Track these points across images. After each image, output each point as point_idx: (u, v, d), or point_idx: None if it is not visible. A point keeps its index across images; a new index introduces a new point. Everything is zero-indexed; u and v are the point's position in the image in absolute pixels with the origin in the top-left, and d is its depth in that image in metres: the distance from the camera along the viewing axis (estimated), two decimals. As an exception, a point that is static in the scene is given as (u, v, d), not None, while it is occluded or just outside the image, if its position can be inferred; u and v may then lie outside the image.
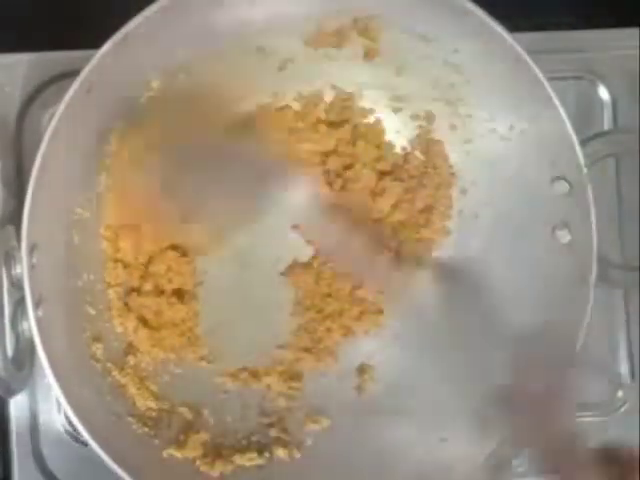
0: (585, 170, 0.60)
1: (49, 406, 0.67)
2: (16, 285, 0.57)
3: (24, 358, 0.60)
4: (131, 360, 0.65)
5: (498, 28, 0.59)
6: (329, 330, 0.69)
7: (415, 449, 0.65)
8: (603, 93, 0.72)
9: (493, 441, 0.62)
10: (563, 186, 0.62)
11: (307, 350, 0.69)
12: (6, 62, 0.68)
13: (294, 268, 0.69)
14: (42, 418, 0.68)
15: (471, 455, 0.63)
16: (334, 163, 0.68)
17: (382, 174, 0.69)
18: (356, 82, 0.68)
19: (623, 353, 0.72)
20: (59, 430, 0.68)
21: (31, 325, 0.56)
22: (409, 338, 0.69)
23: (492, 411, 0.63)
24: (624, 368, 0.72)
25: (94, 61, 0.57)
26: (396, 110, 0.69)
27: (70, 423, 0.65)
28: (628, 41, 0.71)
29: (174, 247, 0.67)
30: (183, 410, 0.66)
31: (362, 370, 0.69)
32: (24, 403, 0.67)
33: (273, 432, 0.67)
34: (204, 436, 0.65)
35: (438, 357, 0.67)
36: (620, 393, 0.72)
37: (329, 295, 0.69)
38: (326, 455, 0.66)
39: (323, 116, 0.69)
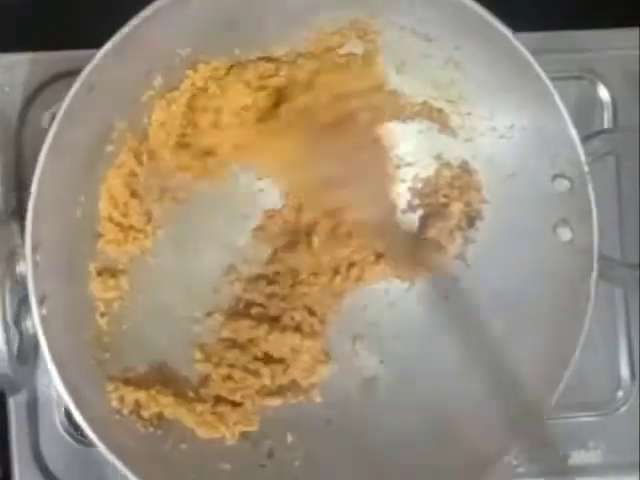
0: (586, 168, 0.60)
1: (49, 406, 0.67)
2: (20, 283, 0.57)
3: (28, 356, 0.60)
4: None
5: (499, 26, 0.60)
6: None
7: (415, 448, 0.65)
8: (603, 93, 0.72)
9: (491, 443, 0.63)
10: (564, 184, 0.62)
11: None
12: (6, 62, 0.68)
13: None
14: (42, 418, 0.68)
15: (470, 456, 0.63)
16: None
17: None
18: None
19: (623, 353, 0.72)
20: (59, 430, 0.68)
21: (35, 323, 0.57)
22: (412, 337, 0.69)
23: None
24: (624, 368, 0.72)
25: (95, 61, 0.58)
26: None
27: (70, 423, 0.65)
28: (628, 41, 0.71)
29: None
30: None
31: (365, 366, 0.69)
32: (24, 403, 0.67)
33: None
34: None
35: (441, 355, 0.67)
36: (620, 393, 0.72)
37: None
38: (327, 453, 0.66)
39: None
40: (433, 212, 0.68)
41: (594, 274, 0.61)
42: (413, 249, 0.68)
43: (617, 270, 0.62)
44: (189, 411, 0.64)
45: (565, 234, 0.62)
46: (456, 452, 0.64)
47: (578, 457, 0.71)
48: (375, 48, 0.65)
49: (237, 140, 0.66)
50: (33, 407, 0.67)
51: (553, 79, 0.61)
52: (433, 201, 0.68)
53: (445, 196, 0.68)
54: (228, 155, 0.66)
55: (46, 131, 0.57)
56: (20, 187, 0.65)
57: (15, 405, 0.67)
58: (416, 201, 0.69)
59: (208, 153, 0.66)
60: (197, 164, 0.66)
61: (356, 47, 0.65)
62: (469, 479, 0.63)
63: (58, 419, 0.68)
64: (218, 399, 0.66)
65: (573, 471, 0.71)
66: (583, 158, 0.60)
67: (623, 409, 0.72)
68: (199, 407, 0.65)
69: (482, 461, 0.63)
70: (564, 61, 0.71)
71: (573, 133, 0.60)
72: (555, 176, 0.62)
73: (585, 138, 0.61)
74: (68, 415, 0.58)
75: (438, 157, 0.69)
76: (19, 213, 0.58)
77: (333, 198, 0.65)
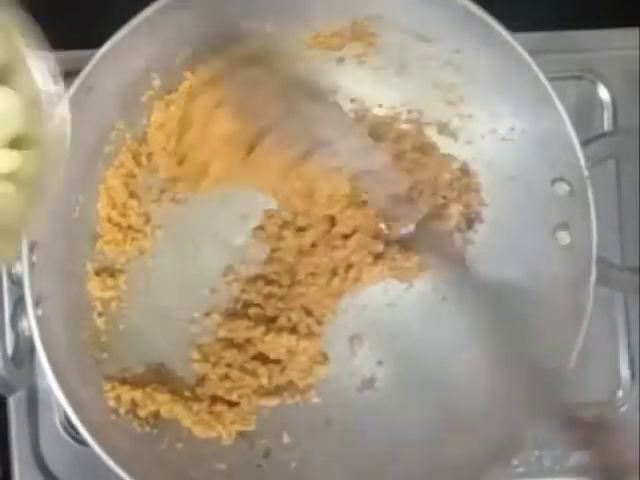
0: (586, 172, 0.60)
1: (49, 406, 0.68)
2: (16, 283, 0.57)
3: (24, 356, 0.60)
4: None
5: (499, 28, 0.60)
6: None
7: (414, 448, 0.65)
8: (603, 93, 0.72)
9: (490, 443, 0.62)
10: (563, 187, 0.62)
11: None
12: (6, 62, 0.69)
13: None
14: (42, 418, 0.68)
15: (468, 457, 0.63)
16: None
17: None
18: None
19: (623, 354, 0.72)
20: (59, 430, 0.68)
21: (31, 324, 0.57)
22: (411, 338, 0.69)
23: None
24: (624, 368, 0.72)
25: (94, 61, 0.58)
26: (396, 110, 0.69)
27: (70, 423, 0.66)
28: (628, 41, 0.71)
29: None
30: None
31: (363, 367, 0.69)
32: (24, 403, 0.67)
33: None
34: None
35: (439, 356, 0.67)
36: (620, 393, 0.71)
37: None
38: (324, 454, 0.66)
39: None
40: (432, 213, 0.68)
41: (592, 277, 0.60)
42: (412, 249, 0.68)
43: (617, 274, 0.62)
44: (186, 409, 0.64)
45: (564, 238, 0.62)
46: (455, 453, 0.64)
47: (578, 457, 0.71)
48: (374, 51, 0.65)
49: (225, 167, 0.66)
50: (33, 407, 0.68)
51: (553, 79, 0.61)
52: (432, 202, 0.68)
53: (444, 197, 0.68)
54: (219, 178, 0.66)
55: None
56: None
57: (15, 405, 0.67)
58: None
59: (201, 170, 0.66)
60: (190, 183, 0.66)
61: (355, 49, 0.65)
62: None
63: (58, 419, 0.68)
64: (215, 398, 0.65)
65: (573, 471, 0.71)
66: (583, 162, 0.60)
67: (623, 409, 0.71)
68: (196, 406, 0.65)
69: (482, 461, 0.63)
70: (564, 61, 0.71)
71: (573, 136, 0.60)
72: (555, 180, 0.62)
73: (585, 142, 0.61)
74: (68, 415, 0.58)
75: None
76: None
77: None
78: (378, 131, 0.68)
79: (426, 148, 0.68)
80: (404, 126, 0.68)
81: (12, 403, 0.67)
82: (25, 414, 0.68)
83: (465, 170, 0.67)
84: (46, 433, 0.68)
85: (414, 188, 0.67)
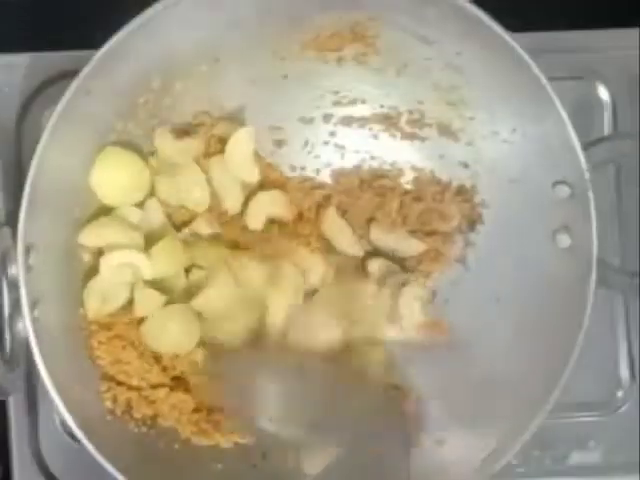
0: (587, 175, 0.60)
1: (49, 406, 0.68)
2: (13, 285, 0.57)
3: (18, 358, 0.60)
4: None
5: (499, 30, 0.59)
6: None
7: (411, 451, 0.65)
8: (603, 94, 0.72)
9: (490, 444, 0.62)
10: (564, 190, 0.61)
11: None
12: (6, 62, 0.69)
13: None
14: (42, 418, 0.68)
15: (467, 458, 0.63)
16: None
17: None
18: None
19: (623, 353, 0.72)
20: (59, 430, 0.68)
21: (27, 326, 0.57)
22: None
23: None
24: (624, 368, 0.72)
25: (94, 61, 0.58)
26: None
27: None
28: (628, 41, 0.71)
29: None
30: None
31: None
32: (24, 403, 0.67)
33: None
34: None
35: (441, 357, 0.67)
36: (620, 393, 0.71)
37: None
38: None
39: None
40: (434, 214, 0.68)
41: (593, 279, 0.60)
42: None
43: (617, 277, 0.62)
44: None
45: (565, 240, 0.62)
46: (457, 455, 0.64)
47: (578, 457, 0.71)
48: (372, 52, 0.65)
49: None
50: (33, 407, 0.68)
51: (553, 79, 0.60)
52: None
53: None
54: None
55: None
56: (19, 188, 0.65)
57: (15, 405, 0.68)
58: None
59: None
60: None
61: (355, 49, 0.65)
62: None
63: (58, 419, 0.68)
64: (213, 408, 0.66)
65: (573, 471, 0.71)
66: (584, 165, 0.60)
67: (623, 409, 0.72)
68: (194, 416, 0.65)
69: (482, 462, 0.63)
70: (564, 61, 0.71)
71: (574, 140, 0.60)
72: (556, 182, 0.62)
73: (586, 146, 0.60)
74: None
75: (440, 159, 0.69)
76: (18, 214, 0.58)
77: None
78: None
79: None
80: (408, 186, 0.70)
81: (12, 403, 0.67)
82: (25, 414, 0.68)
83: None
84: (46, 433, 0.68)
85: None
